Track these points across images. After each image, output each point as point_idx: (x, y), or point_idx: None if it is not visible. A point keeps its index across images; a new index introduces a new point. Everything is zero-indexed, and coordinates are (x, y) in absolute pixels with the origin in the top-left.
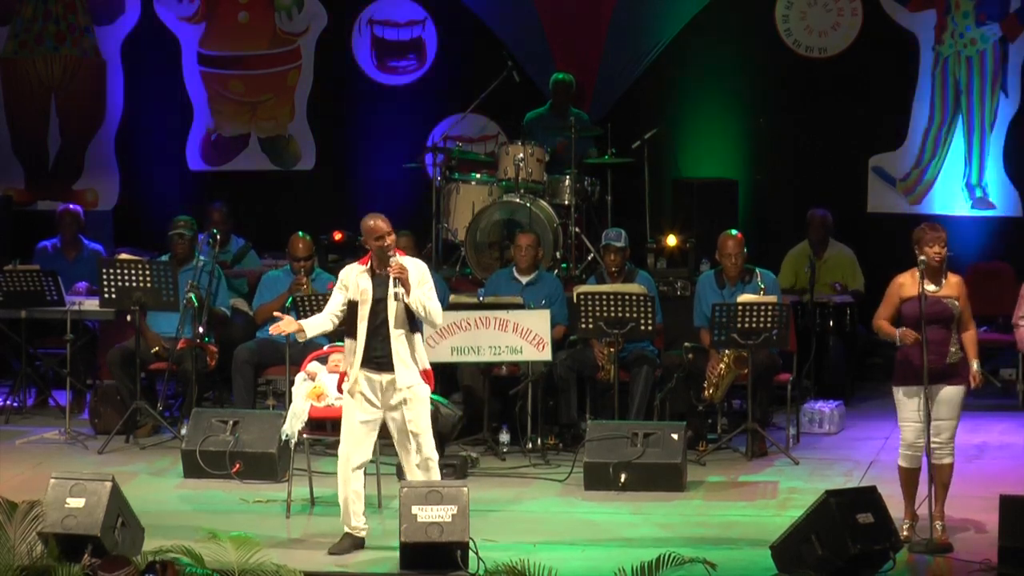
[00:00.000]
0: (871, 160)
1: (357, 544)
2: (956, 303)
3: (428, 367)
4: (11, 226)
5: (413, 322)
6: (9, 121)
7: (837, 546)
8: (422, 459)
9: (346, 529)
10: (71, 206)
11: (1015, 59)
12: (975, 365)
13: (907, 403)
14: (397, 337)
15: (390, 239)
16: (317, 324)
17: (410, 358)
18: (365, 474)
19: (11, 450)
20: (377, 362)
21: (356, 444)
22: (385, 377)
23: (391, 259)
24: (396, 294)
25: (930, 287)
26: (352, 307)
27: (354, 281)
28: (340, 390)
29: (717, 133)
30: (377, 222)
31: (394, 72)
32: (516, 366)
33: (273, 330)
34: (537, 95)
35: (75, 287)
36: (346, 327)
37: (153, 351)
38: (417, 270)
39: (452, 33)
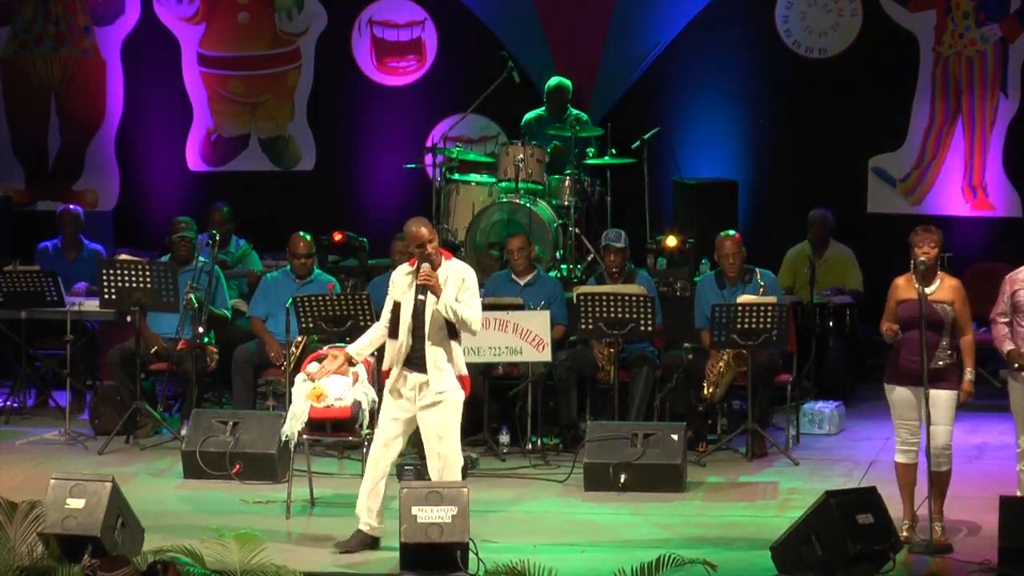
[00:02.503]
0: (871, 160)
1: (365, 542)
2: (948, 308)
3: (464, 372)
4: (11, 226)
5: (451, 327)
6: (9, 121)
7: (837, 547)
8: (443, 462)
9: (359, 525)
10: (71, 206)
11: (1015, 59)
12: (968, 374)
13: (894, 402)
14: (433, 341)
15: (430, 247)
16: (367, 342)
17: (445, 363)
18: (389, 474)
19: (11, 451)
20: (415, 363)
21: (385, 441)
22: (421, 378)
23: (422, 266)
24: (421, 300)
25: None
26: (397, 307)
27: (400, 282)
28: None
29: (717, 133)
30: (420, 229)
31: (394, 72)
32: (515, 367)
33: (321, 375)
34: (537, 96)
35: (75, 287)
36: (390, 327)
37: (153, 351)
38: (458, 276)
39: (452, 33)
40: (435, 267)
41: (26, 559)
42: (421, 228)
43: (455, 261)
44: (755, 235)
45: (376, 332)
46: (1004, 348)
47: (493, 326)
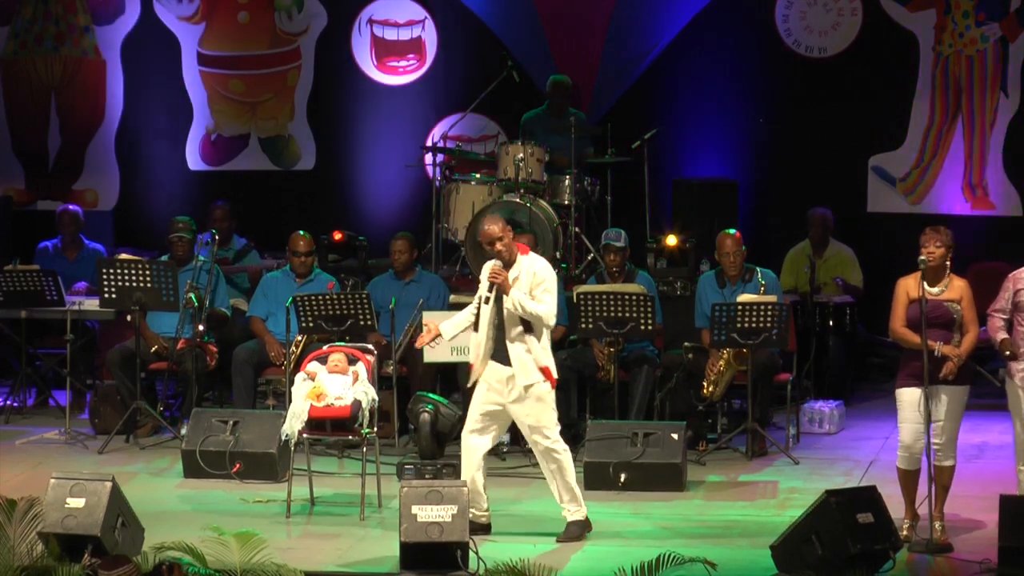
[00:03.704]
0: (871, 160)
1: (472, 529)
2: (958, 306)
3: (546, 364)
4: (11, 226)
5: (528, 321)
6: (9, 121)
7: (837, 546)
8: (545, 450)
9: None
10: (70, 206)
11: (1015, 59)
12: (959, 349)
13: (907, 404)
14: (512, 336)
15: (500, 244)
16: (457, 322)
17: (526, 355)
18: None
19: (11, 450)
20: (500, 357)
21: (473, 432)
22: (507, 371)
23: (493, 263)
24: (487, 297)
25: (931, 289)
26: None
27: (486, 276)
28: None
29: (717, 133)
30: (491, 227)
31: (394, 72)
32: None
33: (418, 344)
34: (537, 95)
35: (75, 287)
36: (475, 321)
37: (152, 350)
38: (530, 271)
39: (452, 33)
40: (509, 263)
41: (26, 558)
42: (492, 226)
43: (531, 256)
44: (755, 235)
45: (466, 313)
46: (997, 337)
47: None
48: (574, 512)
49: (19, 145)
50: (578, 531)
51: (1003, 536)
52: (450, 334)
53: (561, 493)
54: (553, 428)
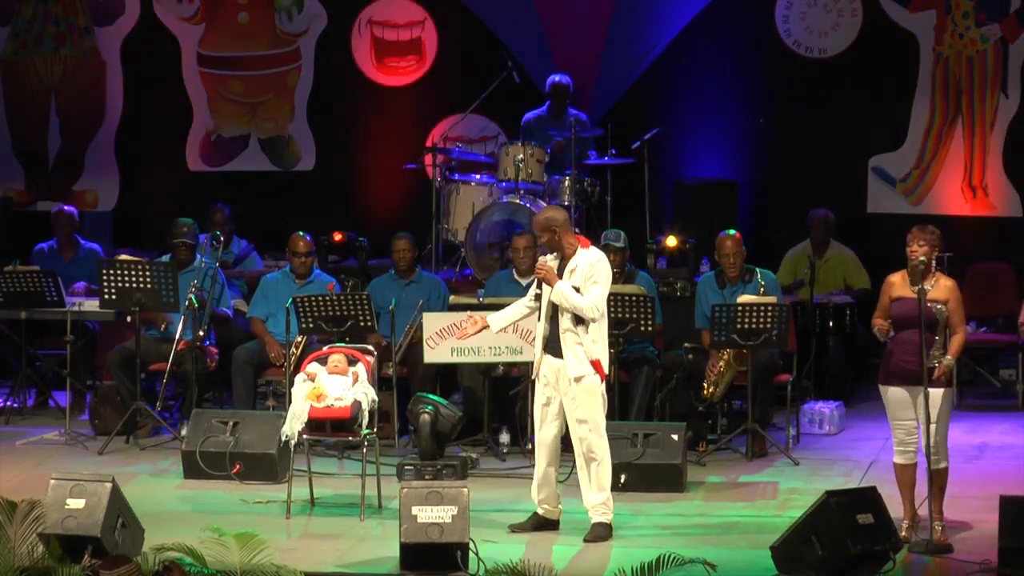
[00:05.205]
0: (871, 160)
1: (541, 524)
2: (943, 307)
3: (597, 357)
4: (11, 227)
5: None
6: (9, 122)
7: (837, 546)
8: (588, 446)
9: (535, 508)
10: (65, 207)
11: (1015, 59)
12: (947, 360)
13: (890, 402)
14: (565, 327)
15: (544, 236)
16: (507, 315)
17: (576, 347)
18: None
19: (11, 451)
20: (552, 349)
21: (541, 426)
22: (558, 363)
23: (540, 257)
24: (538, 293)
25: (916, 288)
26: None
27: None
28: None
29: (717, 133)
30: (538, 218)
31: (394, 72)
32: (515, 367)
33: (460, 336)
34: (537, 95)
35: (73, 287)
36: (539, 313)
37: (162, 327)
38: (587, 264)
39: (452, 33)
40: (565, 256)
41: (26, 559)
42: (539, 217)
43: (591, 249)
44: (755, 235)
45: (518, 307)
46: None
47: None
48: (602, 514)
49: (19, 145)
50: (605, 533)
51: (1003, 536)
52: (498, 327)
53: (594, 494)
54: (600, 423)
